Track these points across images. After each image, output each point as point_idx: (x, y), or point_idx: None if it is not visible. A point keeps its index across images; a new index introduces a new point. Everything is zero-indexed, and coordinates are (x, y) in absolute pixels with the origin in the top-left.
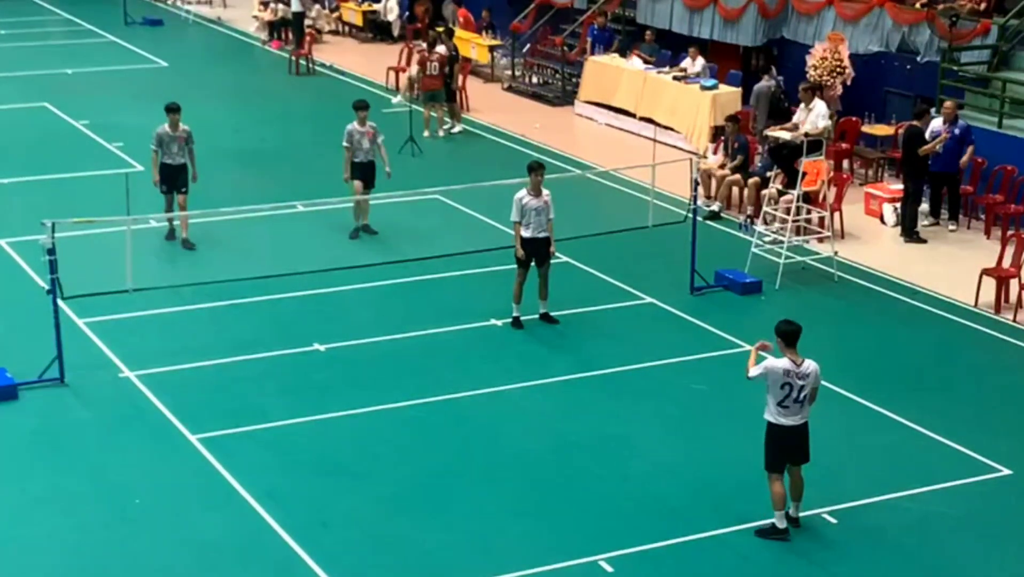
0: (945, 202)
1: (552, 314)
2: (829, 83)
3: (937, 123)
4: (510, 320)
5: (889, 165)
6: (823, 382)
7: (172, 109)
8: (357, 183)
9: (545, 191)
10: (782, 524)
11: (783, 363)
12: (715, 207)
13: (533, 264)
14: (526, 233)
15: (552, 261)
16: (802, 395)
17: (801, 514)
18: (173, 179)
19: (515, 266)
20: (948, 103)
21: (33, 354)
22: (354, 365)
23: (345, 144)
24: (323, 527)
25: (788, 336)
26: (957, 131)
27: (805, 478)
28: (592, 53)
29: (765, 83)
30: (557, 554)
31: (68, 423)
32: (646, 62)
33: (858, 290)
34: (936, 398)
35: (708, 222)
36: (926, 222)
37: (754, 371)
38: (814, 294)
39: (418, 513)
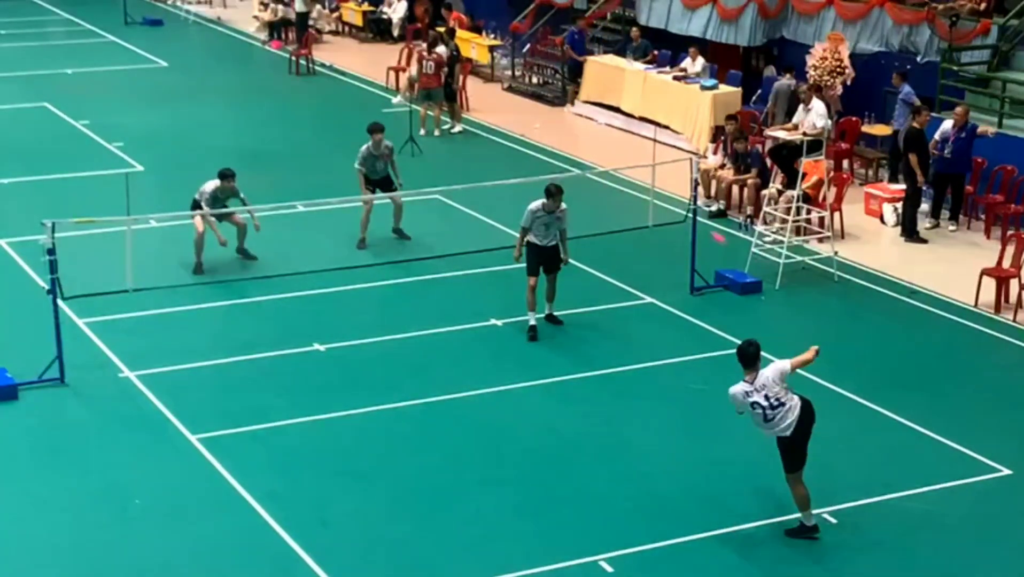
0: (947, 202)
1: (555, 314)
2: (829, 83)
3: (947, 125)
4: (527, 331)
5: (889, 165)
6: (824, 382)
7: (226, 176)
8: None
9: (563, 205)
10: (810, 522)
11: (740, 387)
12: (716, 207)
13: (541, 270)
14: (534, 240)
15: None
16: (773, 400)
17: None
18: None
19: (515, 267)
20: (959, 108)
21: (33, 354)
22: (354, 365)
23: (358, 167)
24: (323, 527)
25: (742, 357)
26: (964, 134)
27: (804, 480)
28: (574, 55)
29: (785, 81)
30: (557, 554)
31: (68, 423)
32: (648, 61)
33: (858, 290)
34: (936, 398)
35: (710, 221)
36: (927, 223)
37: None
38: (814, 294)
39: (418, 513)
